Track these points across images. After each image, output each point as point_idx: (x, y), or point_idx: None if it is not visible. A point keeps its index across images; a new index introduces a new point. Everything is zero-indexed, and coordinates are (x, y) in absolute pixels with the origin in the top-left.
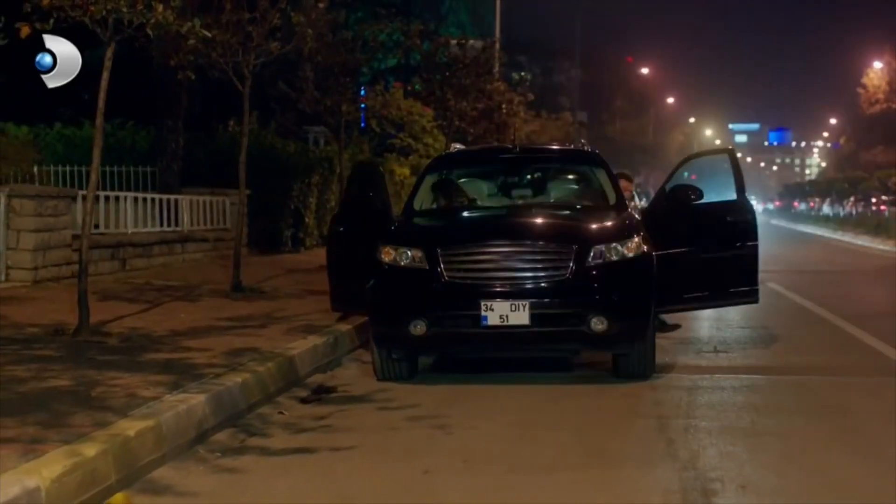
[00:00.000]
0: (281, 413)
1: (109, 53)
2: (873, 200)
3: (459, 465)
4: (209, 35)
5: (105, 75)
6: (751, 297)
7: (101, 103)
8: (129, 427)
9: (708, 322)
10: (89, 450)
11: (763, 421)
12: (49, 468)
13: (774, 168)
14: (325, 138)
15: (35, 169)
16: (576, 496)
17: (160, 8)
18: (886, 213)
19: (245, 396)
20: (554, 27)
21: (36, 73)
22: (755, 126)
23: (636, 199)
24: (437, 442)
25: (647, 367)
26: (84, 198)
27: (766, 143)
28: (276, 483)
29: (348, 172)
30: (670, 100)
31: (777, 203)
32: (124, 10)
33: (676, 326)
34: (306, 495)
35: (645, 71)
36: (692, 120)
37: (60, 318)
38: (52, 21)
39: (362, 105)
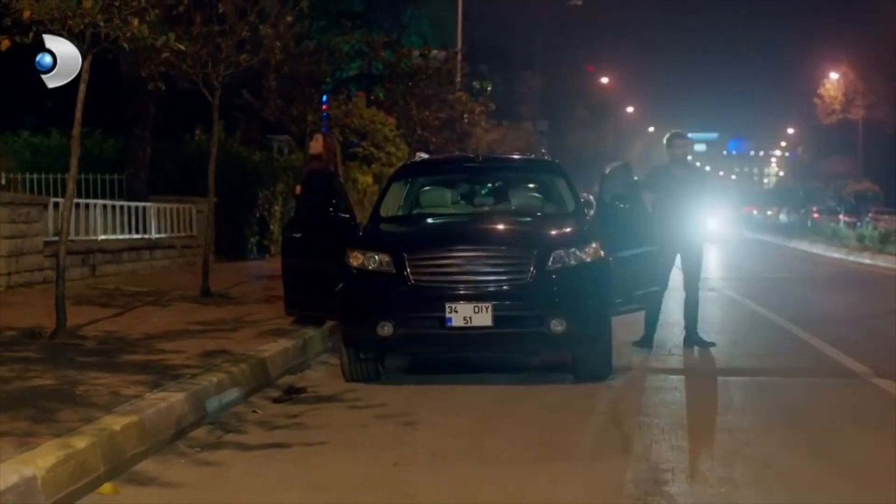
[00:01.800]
0: (254, 412)
1: (86, 66)
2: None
3: (427, 458)
4: (183, 48)
5: (82, 87)
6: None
7: (78, 114)
8: (115, 422)
9: (665, 327)
10: (79, 442)
11: (713, 418)
12: (43, 459)
13: (733, 177)
14: (289, 147)
15: (3, 177)
16: (535, 486)
17: (136, 22)
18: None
19: (220, 396)
20: (515, 36)
21: (3, 85)
22: (714, 135)
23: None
24: (404, 437)
25: (604, 368)
26: (56, 205)
27: (724, 153)
28: (253, 475)
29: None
30: (630, 109)
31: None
32: (101, 24)
33: (712, 344)
34: (282, 486)
35: (605, 80)
36: (652, 129)
37: (36, 321)
38: (31, 35)
39: (324, 113)
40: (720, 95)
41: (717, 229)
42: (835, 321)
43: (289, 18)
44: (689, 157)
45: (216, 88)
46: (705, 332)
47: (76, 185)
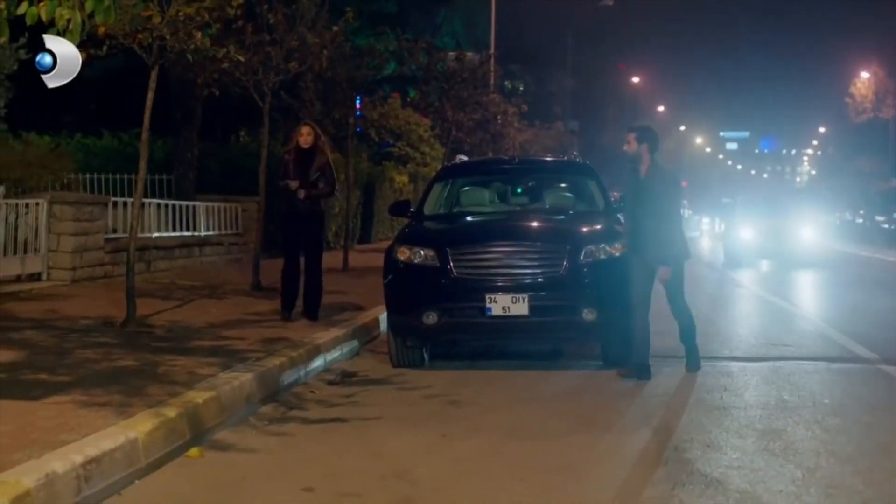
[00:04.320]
0: (312, 392)
1: (154, 76)
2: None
3: (471, 431)
4: (242, 59)
5: (149, 95)
6: None
7: (146, 120)
8: (197, 396)
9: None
10: (170, 412)
11: (730, 397)
12: (142, 425)
13: (765, 176)
14: (328, 147)
15: (69, 177)
16: (569, 454)
17: (199, 35)
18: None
19: (282, 377)
20: (546, 36)
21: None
22: (745, 134)
23: None
24: (450, 414)
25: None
26: (115, 204)
27: (756, 151)
28: (318, 444)
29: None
30: (661, 108)
31: None
32: (167, 37)
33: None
34: (344, 453)
35: (636, 79)
36: (682, 128)
37: (105, 312)
38: (104, 48)
39: (358, 113)
40: (752, 94)
41: (811, 241)
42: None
43: (335, 28)
44: (648, 157)
45: (266, 94)
46: (724, 321)
47: (126, 185)
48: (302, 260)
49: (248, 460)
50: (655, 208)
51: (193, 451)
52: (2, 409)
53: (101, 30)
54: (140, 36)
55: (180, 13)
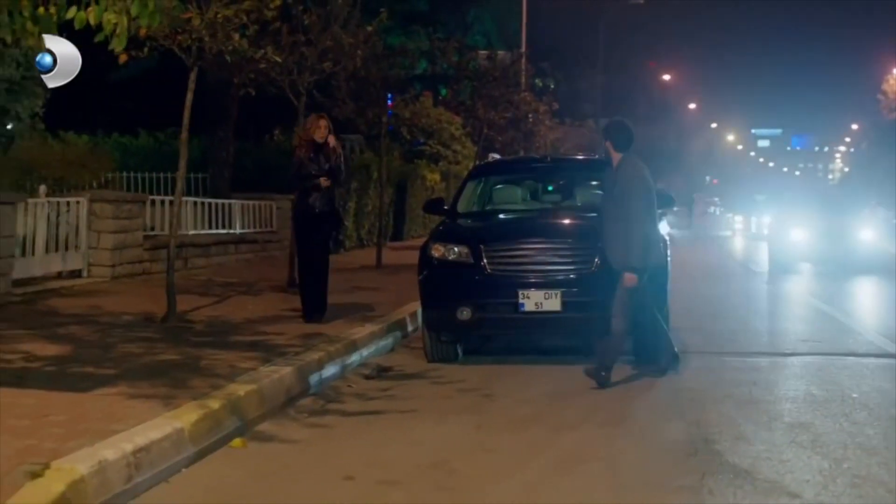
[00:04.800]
0: (350, 386)
1: (193, 77)
2: None
3: (504, 423)
4: (279, 60)
5: (189, 96)
6: None
7: (185, 120)
8: (239, 389)
9: (722, 317)
10: (214, 404)
11: (758, 392)
12: (188, 415)
13: (797, 173)
14: (360, 146)
15: (108, 176)
16: (600, 445)
17: (237, 37)
18: None
19: (320, 371)
20: (577, 33)
21: (82, 85)
22: (777, 131)
23: None
24: (484, 406)
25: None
26: (152, 202)
27: (788, 148)
28: (356, 435)
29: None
30: (692, 105)
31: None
32: (206, 39)
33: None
34: (382, 443)
35: (667, 77)
36: (714, 125)
37: (145, 308)
38: (145, 49)
39: (390, 112)
40: (784, 90)
41: (872, 244)
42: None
43: (369, 28)
44: (616, 154)
45: (302, 94)
46: (752, 318)
47: (162, 183)
48: None
49: (289, 450)
50: (622, 210)
51: (237, 442)
52: (53, 400)
53: (143, 31)
54: (180, 38)
55: (219, 15)
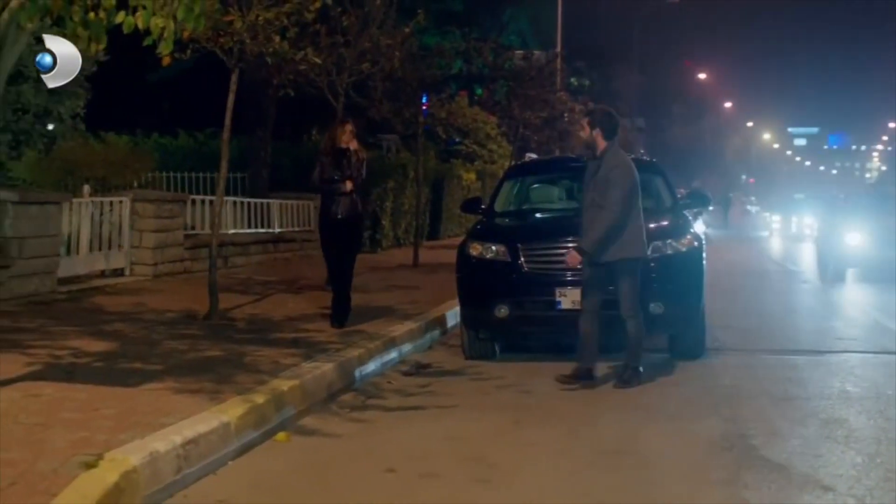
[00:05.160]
0: (389, 382)
1: (234, 78)
2: None
3: (542, 418)
4: (319, 61)
5: (231, 97)
6: None
7: (227, 121)
8: (282, 384)
9: (759, 315)
10: (258, 398)
11: (794, 389)
12: (233, 409)
13: (834, 172)
14: (396, 146)
15: (149, 176)
16: (637, 441)
17: (278, 39)
18: None
19: (360, 367)
20: (612, 32)
21: (120, 86)
22: (814, 129)
23: None
24: (522, 402)
25: (697, 347)
26: (193, 202)
27: (825, 147)
28: (398, 429)
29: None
30: (728, 104)
31: None
32: (248, 41)
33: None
34: (423, 437)
35: (703, 76)
36: (750, 124)
37: (187, 305)
38: (188, 51)
39: (425, 111)
40: (821, 89)
41: None
42: None
43: (407, 30)
44: (602, 143)
45: (340, 95)
46: (788, 315)
47: (202, 182)
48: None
49: (332, 444)
50: (605, 199)
51: (281, 435)
52: (103, 394)
53: (186, 34)
54: (222, 40)
55: (260, 18)
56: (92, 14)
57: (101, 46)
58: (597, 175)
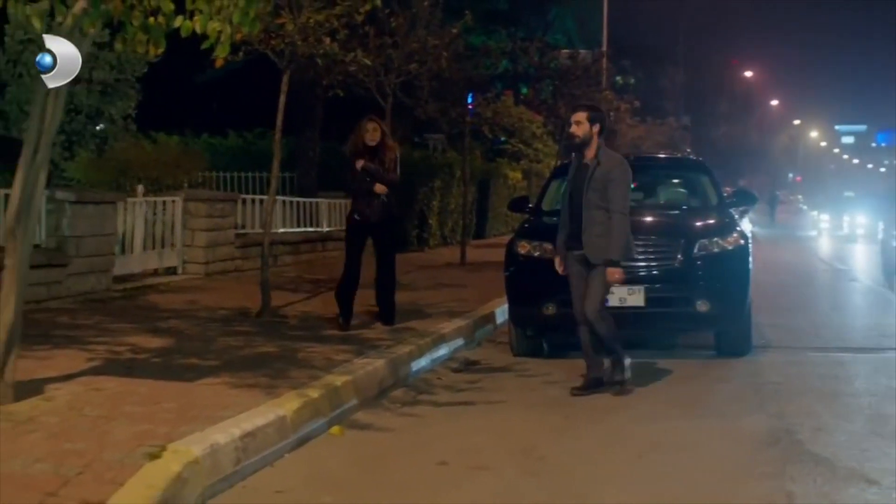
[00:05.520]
0: (439, 378)
1: (286, 80)
2: None
3: (590, 414)
4: (369, 62)
5: (282, 98)
6: None
7: (279, 122)
8: (336, 380)
9: (806, 312)
10: (313, 393)
11: (840, 386)
12: (289, 403)
13: (882, 170)
14: (443, 145)
15: (200, 175)
16: (682, 436)
17: (328, 41)
18: None
19: (411, 364)
20: (658, 30)
21: (169, 87)
22: (862, 127)
23: None
24: (569, 397)
25: (744, 344)
26: (243, 201)
27: (872, 145)
28: (448, 424)
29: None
30: (774, 102)
31: None
32: (299, 43)
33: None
34: (474, 432)
35: (749, 73)
36: (797, 122)
37: (239, 303)
38: (240, 54)
39: (471, 110)
40: (869, 86)
41: None
42: None
43: (454, 30)
44: (598, 140)
45: (388, 94)
46: (835, 314)
47: (252, 182)
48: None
49: (385, 438)
50: (607, 199)
51: (335, 429)
52: (163, 389)
53: (238, 36)
54: (273, 42)
55: (311, 20)
56: (151, 19)
57: (160, 51)
58: (593, 174)
